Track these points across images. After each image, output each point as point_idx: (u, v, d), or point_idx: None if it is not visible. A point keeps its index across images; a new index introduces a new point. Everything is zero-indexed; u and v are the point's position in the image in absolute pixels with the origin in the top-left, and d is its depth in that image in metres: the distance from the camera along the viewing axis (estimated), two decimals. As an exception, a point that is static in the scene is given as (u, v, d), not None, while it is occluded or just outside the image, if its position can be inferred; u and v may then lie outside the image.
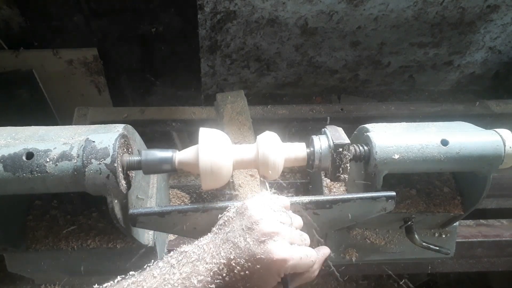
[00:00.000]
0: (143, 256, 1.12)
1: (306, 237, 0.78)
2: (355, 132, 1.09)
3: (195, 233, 0.86)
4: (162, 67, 2.59)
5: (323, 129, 0.95)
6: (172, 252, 0.74)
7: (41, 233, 1.04)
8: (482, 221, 1.53)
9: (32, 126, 0.94)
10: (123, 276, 0.70)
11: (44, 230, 1.04)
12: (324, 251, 0.83)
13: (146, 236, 1.11)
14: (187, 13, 2.32)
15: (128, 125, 0.98)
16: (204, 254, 0.70)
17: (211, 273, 0.68)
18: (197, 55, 2.60)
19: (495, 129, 0.97)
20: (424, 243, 1.15)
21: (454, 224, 1.23)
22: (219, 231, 0.75)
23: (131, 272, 0.71)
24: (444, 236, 1.28)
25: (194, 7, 2.30)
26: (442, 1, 2.47)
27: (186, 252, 0.72)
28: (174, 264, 0.70)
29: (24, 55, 2.30)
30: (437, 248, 1.16)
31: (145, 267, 0.72)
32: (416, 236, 1.15)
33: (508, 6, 2.57)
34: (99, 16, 2.25)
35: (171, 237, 1.38)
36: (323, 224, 0.90)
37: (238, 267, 0.68)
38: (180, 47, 2.50)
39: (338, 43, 2.72)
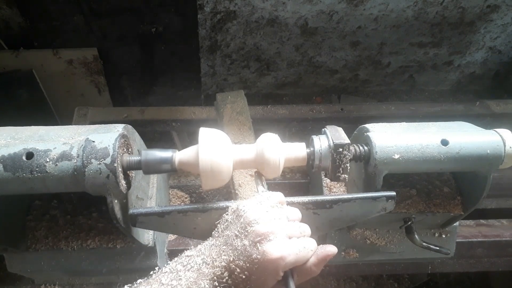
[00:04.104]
0: (143, 256, 1.12)
1: (305, 228, 0.77)
2: (355, 132, 1.09)
3: (195, 233, 0.86)
4: (162, 67, 2.59)
5: (323, 129, 0.94)
6: (177, 257, 0.74)
7: (41, 233, 1.04)
8: (482, 221, 1.53)
9: (32, 126, 0.94)
10: (130, 285, 0.71)
11: (44, 230, 1.04)
12: (330, 248, 0.77)
13: (146, 236, 1.11)
14: (187, 13, 2.32)
15: (128, 125, 0.98)
16: (207, 258, 0.71)
17: (215, 277, 0.69)
18: (197, 55, 2.60)
19: (495, 129, 0.97)
20: (424, 243, 1.15)
21: (454, 224, 1.23)
22: (220, 234, 0.76)
23: (138, 281, 0.71)
24: (444, 236, 1.28)
25: (194, 7, 2.30)
26: (442, 1, 2.47)
27: (191, 256, 0.73)
28: (180, 270, 0.70)
29: (24, 55, 2.30)
30: (437, 248, 1.16)
31: (151, 273, 0.72)
32: (416, 236, 1.15)
33: (508, 6, 2.57)
34: (99, 16, 2.25)
35: (171, 237, 1.37)
36: (323, 224, 0.90)
37: (238, 269, 0.68)
38: (180, 47, 2.50)
39: (338, 43, 2.72)
